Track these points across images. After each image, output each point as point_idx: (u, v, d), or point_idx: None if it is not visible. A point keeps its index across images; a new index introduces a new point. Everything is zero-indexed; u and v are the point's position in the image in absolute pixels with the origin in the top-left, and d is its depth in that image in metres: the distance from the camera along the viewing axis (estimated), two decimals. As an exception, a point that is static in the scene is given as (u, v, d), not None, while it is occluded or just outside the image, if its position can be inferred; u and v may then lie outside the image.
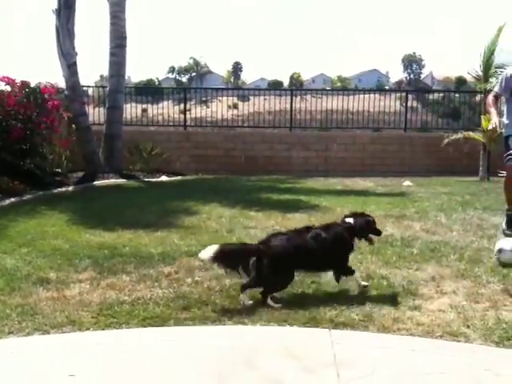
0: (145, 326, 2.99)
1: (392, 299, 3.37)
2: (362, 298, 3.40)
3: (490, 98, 5.37)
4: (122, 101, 11.47)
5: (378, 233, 3.76)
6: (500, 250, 4.13)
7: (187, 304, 3.28)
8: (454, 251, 4.57)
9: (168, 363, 2.52)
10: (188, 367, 2.49)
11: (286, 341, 2.74)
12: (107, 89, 11.42)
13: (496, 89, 5.41)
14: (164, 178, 10.66)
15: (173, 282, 3.73)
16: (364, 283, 3.60)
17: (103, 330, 2.98)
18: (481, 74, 11.25)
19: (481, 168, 10.91)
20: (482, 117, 10.91)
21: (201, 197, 7.67)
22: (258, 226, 5.61)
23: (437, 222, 5.92)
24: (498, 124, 5.04)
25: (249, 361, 2.50)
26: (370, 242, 3.71)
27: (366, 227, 3.65)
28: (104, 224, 5.60)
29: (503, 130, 5.22)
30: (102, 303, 3.33)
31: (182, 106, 14.02)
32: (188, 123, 13.86)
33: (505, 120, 5.22)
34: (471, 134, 11.22)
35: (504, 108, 5.38)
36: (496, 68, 11.12)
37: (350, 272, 3.55)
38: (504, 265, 4.02)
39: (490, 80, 10.93)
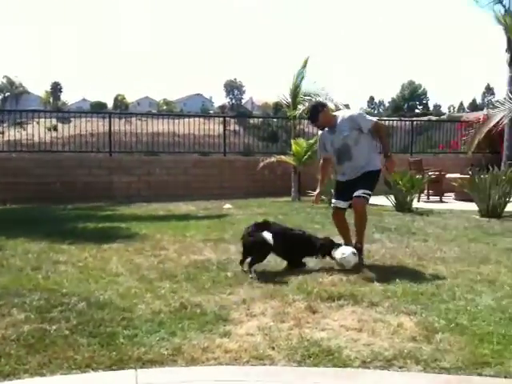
0: None
1: (203, 328, 3.35)
2: (175, 328, 3.33)
3: (320, 162, 5.50)
4: None
5: None
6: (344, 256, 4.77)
7: (-25, 359, 2.86)
8: (264, 271, 4.76)
9: None
10: None
11: (88, 389, 2.53)
12: None
13: (319, 152, 5.50)
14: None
15: (-41, 334, 3.25)
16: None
17: None
18: (290, 101, 12.17)
19: (293, 189, 11.73)
20: (292, 141, 11.77)
21: (5, 230, 6.93)
22: (69, 261, 5.23)
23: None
24: (318, 197, 5.54)
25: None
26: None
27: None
28: None
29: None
30: None
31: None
32: (3, 147, 12.61)
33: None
34: (283, 157, 12.05)
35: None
36: (304, 96, 12.14)
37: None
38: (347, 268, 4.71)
39: (299, 107, 11.88)
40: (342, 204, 5.19)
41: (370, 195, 5.01)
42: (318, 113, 5.17)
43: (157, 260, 5.30)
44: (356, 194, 4.93)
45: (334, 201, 5.29)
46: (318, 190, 5.48)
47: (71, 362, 2.86)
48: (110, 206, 10.55)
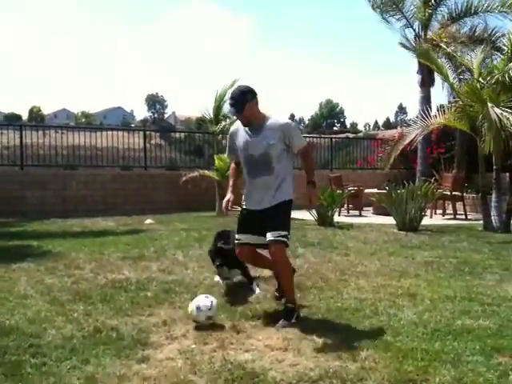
0: None
1: (120, 353, 3.12)
2: (88, 355, 3.07)
3: (231, 165, 4.26)
4: None
5: None
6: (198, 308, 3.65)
7: None
8: (188, 290, 4.59)
9: None
10: None
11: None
12: None
13: (228, 153, 4.25)
14: None
15: None
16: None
17: None
18: (213, 116, 12.13)
19: (217, 203, 11.60)
20: (215, 156, 11.68)
21: None
22: (-30, 283, 4.78)
23: (174, 261, 5.94)
24: (228, 204, 3.94)
25: None
26: None
27: None
28: None
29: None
30: None
31: None
32: None
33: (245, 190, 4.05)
34: (206, 172, 11.92)
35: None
36: (224, 115, 12.17)
37: None
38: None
39: (221, 122, 11.87)
40: (251, 239, 3.96)
41: (288, 236, 3.78)
42: (246, 102, 3.81)
43: (70, 280, 4.97)
44: (271, 237, 3.71)
45: (237, 236, 4.04)
46: (228, 196, 4.00)
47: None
48: (21, 222, 9.92)
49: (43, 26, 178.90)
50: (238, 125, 4.03)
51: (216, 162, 11.58)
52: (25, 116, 77.67)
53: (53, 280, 4.99)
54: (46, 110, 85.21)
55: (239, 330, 3.52)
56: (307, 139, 19.48)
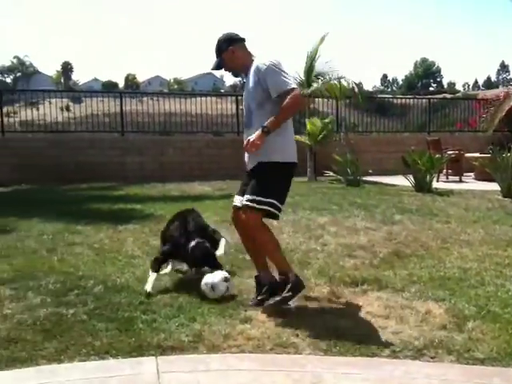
0: None
1: (223, 313, 3.24)
2: (194, 313, 3.23)
3: None
4: None
5: None
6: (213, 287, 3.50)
7: (-9, 344, 2.79)
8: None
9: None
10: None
11: (106, 377, 2.44)
12: None
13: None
14: (-21, 191, 9.46)
15: (-25, 318, 3.17)
16: (148, 288, 3.57)
17: None
18: (303, 79, 11.91)
19: (308, 169, 11.54)
20: (306, 120, 11.55)
21: (20, 211, 6.86)
22: (84, 243, 5.16)
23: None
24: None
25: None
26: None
27: None
28: None
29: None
30: None
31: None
32: (15, 127, 12.55)
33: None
34: (297, 136, 11.78)
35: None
36: (317, 75, 11.89)
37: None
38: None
39: (313, 84, 11.63)
40: (238, 201, 3.48)
41: (260, 203, 3.25)
42: (222, 52, 3.42)
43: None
44: (238, 203, 3.43)
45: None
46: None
47: (89, 347, 2.77)
48: (123, 186, 10.46)
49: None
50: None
51: (308, 126, 11.45)
52: (121, 84, 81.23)
53: (157, 241, 5.23)
54: (141, 78, 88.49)
55: (338, 295, 3.53)
56: (401, 101, 18.70)
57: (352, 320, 3.11)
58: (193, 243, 3.73)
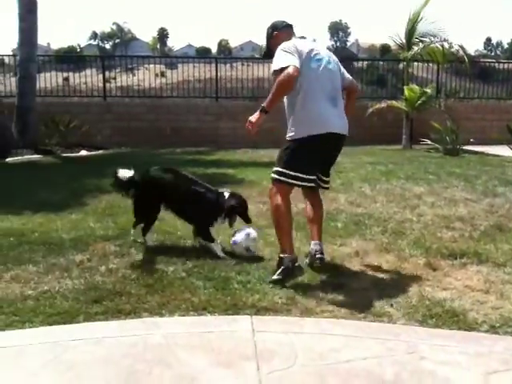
0: (50, 324, 2.72)
1: (316, 278, 3.28)
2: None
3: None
4: (35, 71, 10.69)
5: (247, 220, 3.98)
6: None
7: (99, 296, 3.02)
8: (378, 224, 4.57)
9: (73, 366, 2.28)
10: (97, 369, 2.26)
11: (205, 332, 2.57)
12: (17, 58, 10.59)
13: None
14: (83, 153, 10.11)
15: (84, 271, 3.44)
16: (223, 255, 3.71)
17: (4, 330, 2.68)
18: (404, 41, 11.36)
19: (404, 136, 11.14)
20: (404, 86, 11.08)
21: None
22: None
23: (361, 194, 5.92)
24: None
25: (163, 358, 2.31)
26: (231, 223, 3.90)
27: (236, 207, 3.91)
28: (12, 207, 5.15)
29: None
30: (2, 299, 3.01)
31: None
32: (113, 92, 13.20)
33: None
34: (394, 102, 11.38)
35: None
36: (420, 37, 11.26)
37: (209, 239, 3.83)
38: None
39: (413, 47, 11.06)
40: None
41: (280, 174, 3.42)
42: (269, 39, 3.69)
43: (265, 207, 5.27)
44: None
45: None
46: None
47: (188, 303, 2.92)
48: (216, 151, 10.70)
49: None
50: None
51: (406, 92, 10.97)
52: (214, 49, 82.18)
53: (250, 206, 5.32)
54: (233, 43, 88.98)
55: (435, 267, 3.43)
56: (505, 66, 17.38)
57: (449, 293, 3.02)
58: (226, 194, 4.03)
